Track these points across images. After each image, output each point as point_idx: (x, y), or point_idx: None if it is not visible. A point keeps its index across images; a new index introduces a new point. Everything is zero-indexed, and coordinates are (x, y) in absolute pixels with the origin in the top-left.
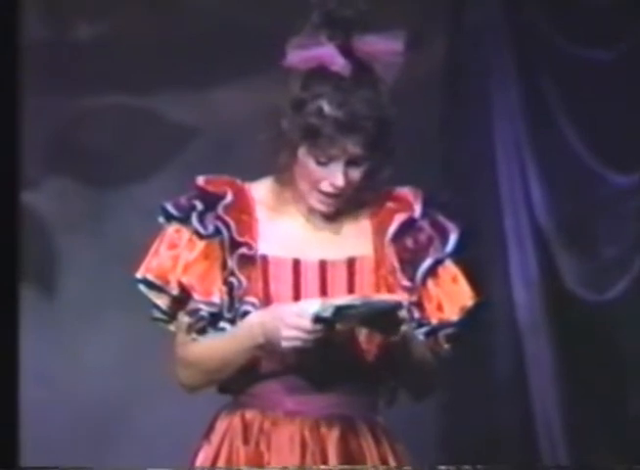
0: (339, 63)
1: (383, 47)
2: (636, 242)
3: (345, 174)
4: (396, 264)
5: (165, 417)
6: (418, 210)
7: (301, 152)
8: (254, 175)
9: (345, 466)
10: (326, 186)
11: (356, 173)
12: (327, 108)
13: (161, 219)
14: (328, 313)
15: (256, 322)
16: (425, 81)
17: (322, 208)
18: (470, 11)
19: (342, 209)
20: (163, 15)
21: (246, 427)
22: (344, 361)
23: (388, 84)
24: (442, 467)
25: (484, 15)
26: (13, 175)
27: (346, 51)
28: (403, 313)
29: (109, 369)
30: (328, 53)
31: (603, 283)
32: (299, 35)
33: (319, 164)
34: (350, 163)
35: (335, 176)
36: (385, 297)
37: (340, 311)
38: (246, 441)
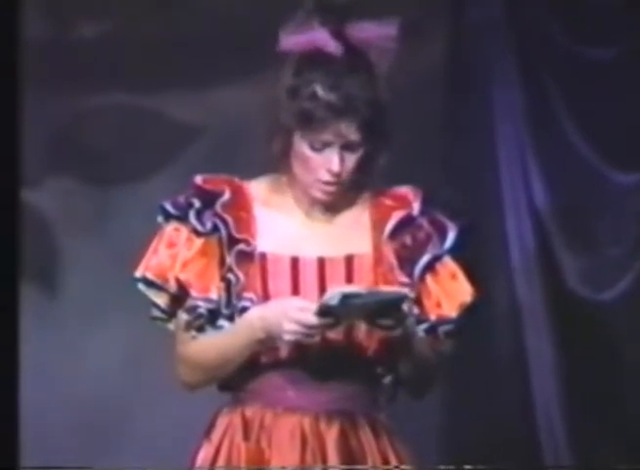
0: (332, 45)
1: (376, 33)
2: (638, 241)
3: (341, 160)
4: (394, 261)
5: (167, 416)
6: (417, 207)
7: (296, 138)
8: (258, 174)
9: (345, 466)
10: (323, 174)
11: (352, 159)
12: (320, 91)
13: (160, 218)
14: (335, 301)
15: (257, 316)
16: (426, 80)
17: (322, 196)
18: (471, 9)
19: (341, 203)
20: (166, 13)
21: (246, 424)
22: (344, 357)
23: (383, 69)
24: (442, 467)
25: (486, 13)
26: (15, 174)
27: (340, 36)
28: (407, 307)
29: (110, 369)
30: (321, 37)
31: (605, 282)
32: (293, 21)
33: (314, 150)
34: (345, 148)
35: (330, 162)
36: (391, 289)
37: (346, 300)
38: (246, 438)
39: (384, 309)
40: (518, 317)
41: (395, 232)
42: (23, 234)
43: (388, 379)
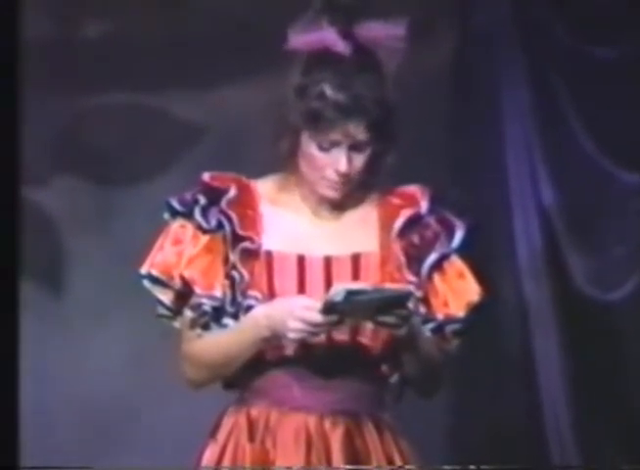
0: (340, 45)
1: (384, 33)
2: None
3: (349, 160)
4: (403, 260)
5: (172, 415)
6: (425, 206)
7: (304, 138)
8: (263, 173)
9: (349, 466)
10: (330, 173)
11: (360, 159)
12: (329, 91)
13: (167, 215)
14: (339, 298)
15: (262, 315)
16: (434, 80)
17: (330, 193)
18: (478, 10)
19: (348, 201)
20: (170, 12)
21: (251, 424)
22: (350, 355)
23: (391, 69)
24: (448, 467)
25: (493, 14)
26: (20, 174)
27: (348, 35)
28: (413, 305)
29: (114, 368)
30: (330, 36)
31: (612, 281)
32: (301, 20)
33: (322, 149)
34: (353, 148)
35: (338, 162)
36: (396, 286)
37: (350, 296)
38: (251, 438)
39: (388, 307)
40: (525, 317)
41: (404, 230)
42: (27, 233)
43: (394, 378)
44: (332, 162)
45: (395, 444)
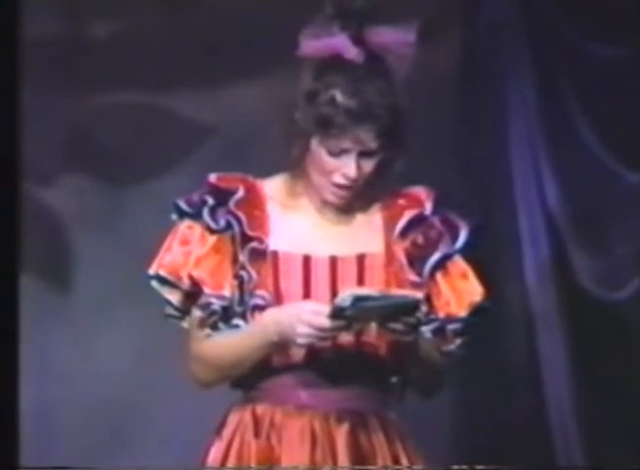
0: (352, 51)
1: (395, 38)
2: None
3: (358, 166)
4: (404, 260)
5: (177, 414)
6: (429, 207)
7: (314, 143)
8: (270, 173)
9: (355, 466)
10: (338, 177)
11: (369, 165)
12: (339, 97)
13: (174, 217)
14: (346, 303)
15: (271, 320)
16: (440, 79)
17: (334, 199)
18: (485, 8)
19: (354, 203)
20: (178, 11)
21: (257, 421)
22: (355, 359)
23: (401, 75)
24: (454, 467)
25: (500, 12)
26: (27, 173)
27: (359, 41)
28: (421, 312)
29: (122, 367)
30: (341, 42)
31: (618, 281)
32: (312, 25)
33: (331, 155)
34: (363, 154)
35: (347, 167)
36: (404, 292)
37: (358, 302)
38: (257, 435)
39: (396, 313)
40: (531, 317)
41: (406, 231)
42: (34, 231)
43: (396, 379)
44: (341, 166)
45: (402, 443)
